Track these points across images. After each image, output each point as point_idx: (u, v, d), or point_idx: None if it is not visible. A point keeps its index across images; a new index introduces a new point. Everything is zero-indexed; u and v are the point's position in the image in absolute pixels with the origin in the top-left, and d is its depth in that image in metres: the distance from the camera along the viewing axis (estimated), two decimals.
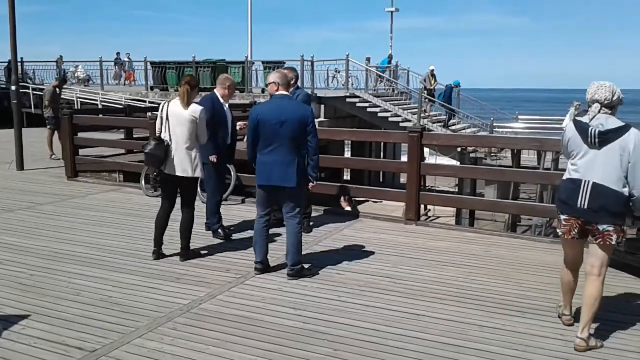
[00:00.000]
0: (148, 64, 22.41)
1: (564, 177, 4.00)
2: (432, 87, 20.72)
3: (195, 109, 5.45)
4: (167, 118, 5.46)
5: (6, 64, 23.00)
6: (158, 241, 5.65)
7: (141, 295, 4.66)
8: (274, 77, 5.15)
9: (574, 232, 3.90)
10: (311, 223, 6.87)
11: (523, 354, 3.76)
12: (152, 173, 8.73)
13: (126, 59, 25.14)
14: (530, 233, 13.24)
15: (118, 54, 25.64)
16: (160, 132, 5.53)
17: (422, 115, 18.47)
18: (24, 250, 5.81)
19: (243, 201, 8.22)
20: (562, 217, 3.96)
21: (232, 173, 8.20)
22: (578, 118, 3.97)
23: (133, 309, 4.38)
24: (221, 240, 6.29)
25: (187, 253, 5.64)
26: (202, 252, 5.87)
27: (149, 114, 11.58)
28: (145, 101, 19.95)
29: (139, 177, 9.02)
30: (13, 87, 11.08)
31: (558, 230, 4.07)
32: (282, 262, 5.44)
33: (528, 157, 16.43)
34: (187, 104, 5.42)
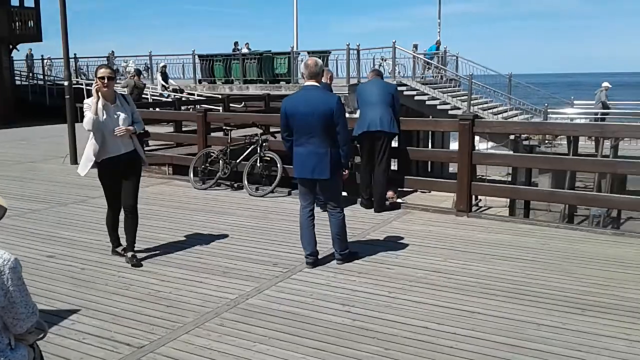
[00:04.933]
0: (196, 57, 22.66)
1: None
2: (608, 105, 19.39)
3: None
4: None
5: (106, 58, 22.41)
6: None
7: (188, 290, 4.65)
8: (301, 68, 5.21)
9: None
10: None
11: (586, 355, 3.54)
12: (201, 166, 8.89)
13: (245, 49, 24.53)
14: (588, 224, 12.69)
15: (236, 43, 25.20)
16: None
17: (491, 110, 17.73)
18: (77, 244, 5.93)
19: (289, 193, 8.16)
20: None
21: (278, 165, 8.15)
22: None
23: (180, 303, 4.38)
24: (269, 234, 6.26)
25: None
26: (249, 245, 5.84)
27: (197, 106, 11.72)
28: (193, 94, 20.19)
29: (188, 170, 9.11)
30: (66, 83, 11.38)
31: None
32: (330, 254, 5.37)
33: (584, 144, 15.72)
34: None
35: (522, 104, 20.09)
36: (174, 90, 19.23)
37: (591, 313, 4.14)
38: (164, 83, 19.33)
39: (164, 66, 20.02)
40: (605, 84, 19.24)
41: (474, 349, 3.64)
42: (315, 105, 4.95)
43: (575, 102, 20.78)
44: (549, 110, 18.35)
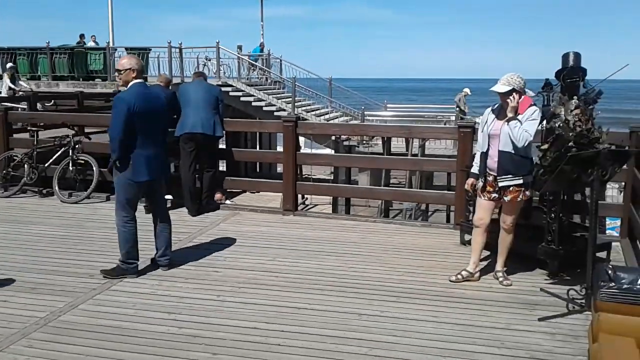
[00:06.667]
0: None
1: None
2: (465, 111, 19.71)
3: None
4: None
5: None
6: None
7: None
8: (130, 62, 4.76)
9: None
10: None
11: (399, 339, 3.80)
12: (2, 171, 7.90)
13: (92, 43, 21.53)
14: (402, 217, 13.84)
15: (81, 36, 21.93)
16: None
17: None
18: None
19: (108, 198, 7.63)
20: None
21: (94, 168, 7.59)
22: None
23: None
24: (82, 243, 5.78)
25: None
26: (62, 257, 5.33)
27: None
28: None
29: None
30: None
31: None
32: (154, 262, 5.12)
33: (397, 144, 17.15)
34: None
35: (343, 106, 21.26)
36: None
37: (404, 299, 4.48)
38: (11, 85, 16.64)
39: (12, 67, 17.36)
40: (466, 89, 21.03)
41: (302, 344, 3.73)
42: (160, 103, 4.80)
43: (388, 105, 22.59)
44: (366, 112, 19.68)
